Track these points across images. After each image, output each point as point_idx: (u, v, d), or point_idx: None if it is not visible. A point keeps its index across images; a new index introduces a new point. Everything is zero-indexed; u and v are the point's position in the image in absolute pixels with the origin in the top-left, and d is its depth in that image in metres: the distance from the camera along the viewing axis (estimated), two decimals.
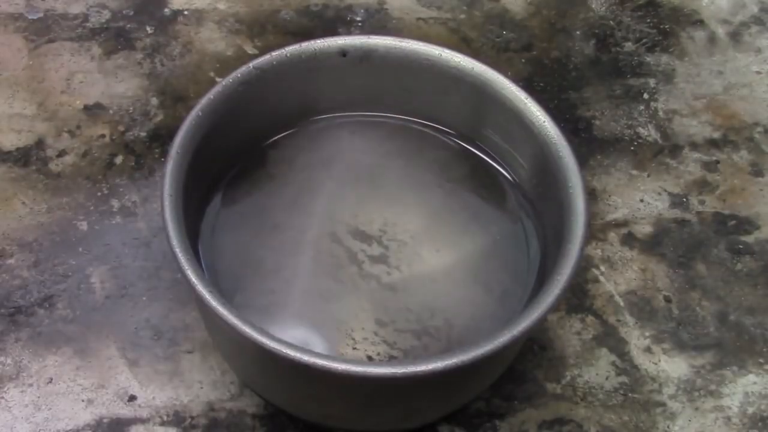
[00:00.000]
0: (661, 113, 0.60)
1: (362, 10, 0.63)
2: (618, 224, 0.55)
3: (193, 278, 0.37)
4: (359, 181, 0.47)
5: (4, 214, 0.53)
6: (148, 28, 0.62)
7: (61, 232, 0.52)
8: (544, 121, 0.44)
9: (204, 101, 0.43)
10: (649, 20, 0.65)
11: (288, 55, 0.45)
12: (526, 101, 0.44)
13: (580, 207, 0.41)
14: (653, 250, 0.54)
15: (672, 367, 0.49)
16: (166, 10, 0.63)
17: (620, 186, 0.57)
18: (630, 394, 0.48)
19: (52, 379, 0.47)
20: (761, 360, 0.50)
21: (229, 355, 0.44)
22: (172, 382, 0.47)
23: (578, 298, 0.51)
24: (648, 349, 0.50)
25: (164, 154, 0.50)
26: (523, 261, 0.45)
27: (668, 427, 0.47)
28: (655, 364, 0.49)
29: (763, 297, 0.53)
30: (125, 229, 0.52)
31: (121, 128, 0.57)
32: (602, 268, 0.53)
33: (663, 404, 0.48)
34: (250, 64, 0.44)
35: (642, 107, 0.60)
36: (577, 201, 0.41)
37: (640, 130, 0.59)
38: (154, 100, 0.58)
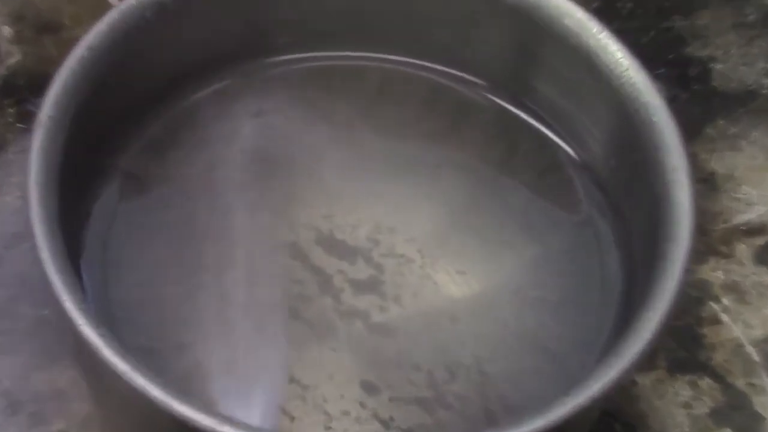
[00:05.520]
0: None
1: None
2: (751, 231, 0.56)
3: (74, 313, 0.38)
4: (335, 160, 0.48)
5: None
6: None
7: None
8: (627, 68, 0.44)
9: (92, 36, 0.43)
10: None
11: None
12: (600, 36, 0.45)
13: (685, 203, 0.41)
14: None
15: None
16: None
17: (755, 170, 0.57)
18: None
19: None
20: None
21: None
22: None
23: (687, 348, 0.52)
24: None
25: (25, 116, 0.51)
26: (596, 287, 0.45)
27: None
28: None
29: None
30: None
31: None
32: (725, 301, 0.54)
33: None
34: None
35: None
36: (679, 193, 0.42)
37: None
38: (6, 31, 0.58)
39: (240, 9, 0.48)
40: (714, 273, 0.54)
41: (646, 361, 0.44)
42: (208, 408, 0.38)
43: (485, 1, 0.47)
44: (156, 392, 0.36)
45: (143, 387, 0.36)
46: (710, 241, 0.55)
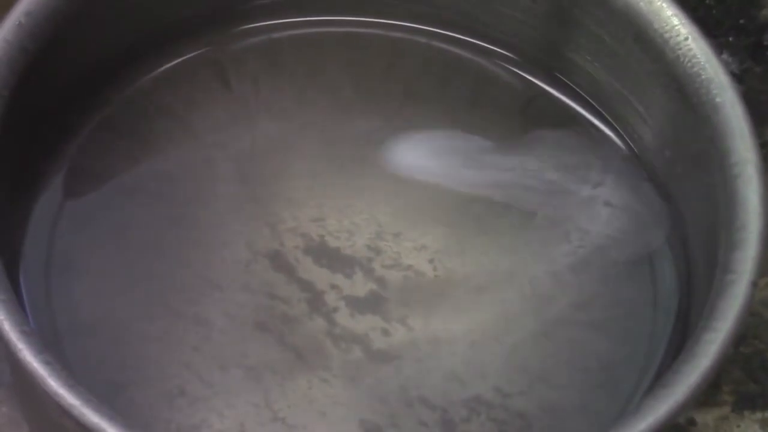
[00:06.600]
0: None
1: None
2: None
3: (12, 336, 0.37)
4: (326, 150, 0.47)
5: None
6: None
7: None
8: (685, 36, 0.43)
9: (29, 0, 0.43)
10: None
11: None
12: None
13: (754, 203, 0.41)
14: None
15: None
16: None
17: None
18: None
19: None
20: None
21: None
22: None
23: (756, 379, 0.50)
24: None
25: None
26: (646, 303, 0.45)
27: None
28: None
29: None
30: None
31: None
32: None
33: None
34: None
35: None
36: (747, 191, 0.41)
37: None
38: None
39: None
40: None
41: (707, 395, 0.46)
42: None
43: None
44: None
45: (97, 426, 0.36)
46: None
